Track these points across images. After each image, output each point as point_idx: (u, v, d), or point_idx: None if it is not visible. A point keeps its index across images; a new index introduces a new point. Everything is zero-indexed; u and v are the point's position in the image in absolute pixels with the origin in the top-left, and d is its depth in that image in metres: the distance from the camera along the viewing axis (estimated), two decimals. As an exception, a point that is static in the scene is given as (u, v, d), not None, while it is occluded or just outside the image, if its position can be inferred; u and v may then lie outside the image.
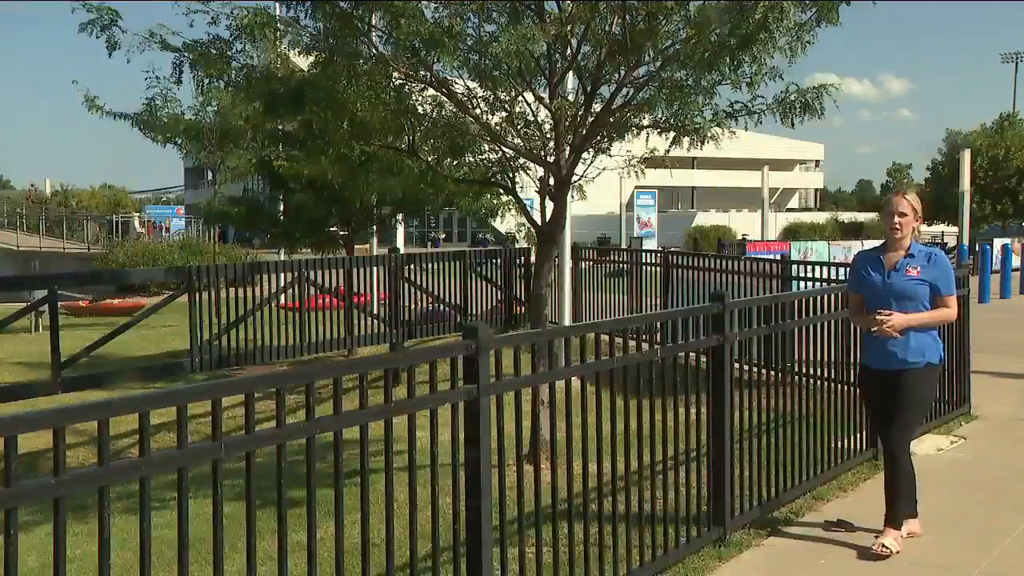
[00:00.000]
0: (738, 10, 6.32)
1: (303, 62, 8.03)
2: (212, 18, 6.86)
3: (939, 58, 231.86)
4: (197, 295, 10.08)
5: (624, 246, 29.71)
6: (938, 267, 5.29)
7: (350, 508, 3.63)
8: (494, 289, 13.83)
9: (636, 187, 37.99)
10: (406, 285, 12.57)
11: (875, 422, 5.70)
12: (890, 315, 5.20)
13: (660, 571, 5.03)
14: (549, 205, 7.67)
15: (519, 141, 7.62)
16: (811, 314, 6.57)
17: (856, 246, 30.24)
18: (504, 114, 7.50)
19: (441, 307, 13.26)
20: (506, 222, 15.24)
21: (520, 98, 7.51)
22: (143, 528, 2.88)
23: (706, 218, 57.93)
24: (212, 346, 10.26)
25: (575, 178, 7.67)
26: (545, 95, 7.41)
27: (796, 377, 6.36)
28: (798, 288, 11.10)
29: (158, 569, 3.20)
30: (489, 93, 7.35)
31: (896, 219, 5.30)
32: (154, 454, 2.90)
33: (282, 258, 16.93)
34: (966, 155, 29.72)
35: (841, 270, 11.20)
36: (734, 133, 7.45)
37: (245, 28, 6.64)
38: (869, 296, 5.38)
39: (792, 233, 51.85)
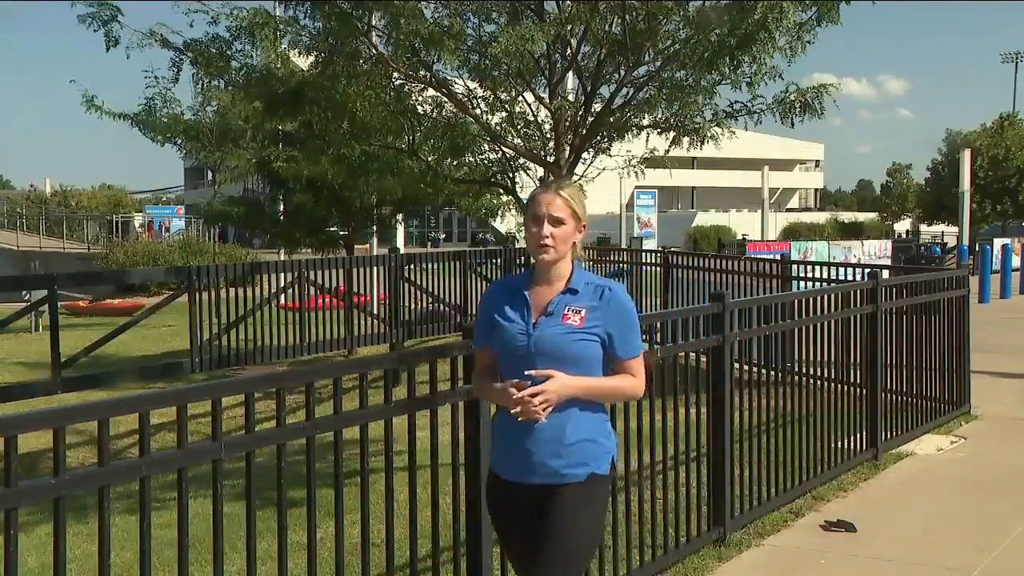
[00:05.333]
0: (738, 10, 6.32)
1: (303, 62, 8.04)
2: (212, 17, 6.87)
3: (939, 58, 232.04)
4: (197, 295, 10.08)
5: (624, 246, 29.71)
6: (616, 311, 3.12)
7: (350, 508, 3.63)
8: (494, 289, 13.80)
9: (636, 187, 37.95)
10: (406, 285, 12.57)
11: (514, 565, 3.34)
12: (542, 383, 3.01)
13: (660, 571, 5.02)
14: (549, 205, 7.66)
15: (519, 141, 7.62)
16: (811, 314, 6.57)
17: (856, 246, 30.30)
18: (504, 114, 7.50)
19: (441, 307, 13.26)
20: (506, 222, 15.25)
21: (520, 98, 7.52)
22: (143, 528, 2.88)
23: (706, 218, 57.92)
24: (212, 346, 10.26)
25: (575, 178, 7.67)
26: (545, 95, 7.41)
27: (796, 377, 6.36)
28: (798, 288, 11.09)
29: (158, 569, 3.21)
30: (489, 93, 7.36)
31: (545, 229, 3.10)
32: (154, 454, 2.90)
33: (282, 258, 16.93)
34: (966, 155, 29.71)
35: (841, 270, 11.22)
36: (734, 133, 7.46)
37: (245, 28, 6.64)
38: (504, 353, 3.14)
39: (792, 233, 51.85)
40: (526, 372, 3.03)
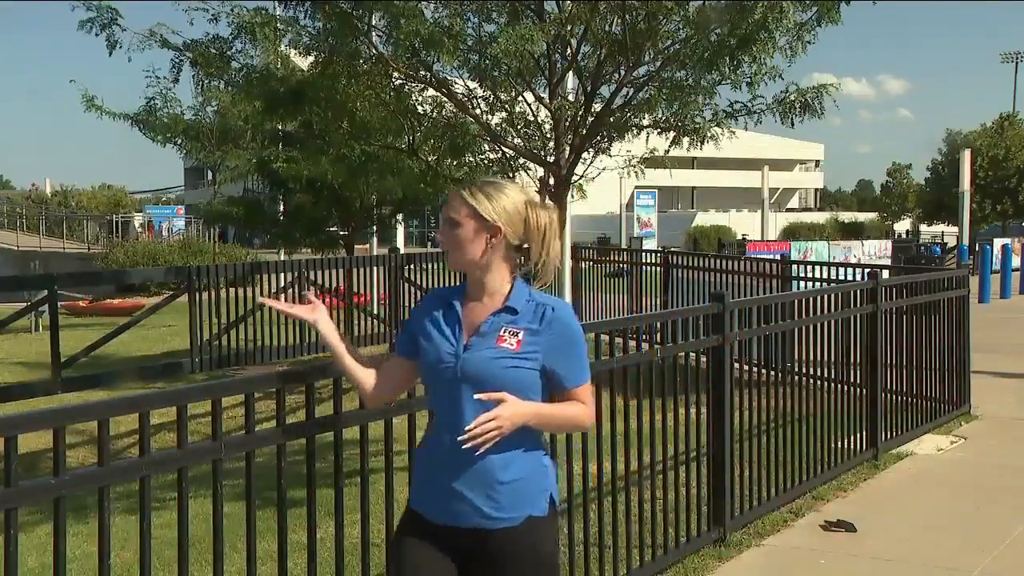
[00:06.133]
0: (738, 10, 6.32)
1: (303, 62, 8.04)
2: (212, 16, 6.88)
3: (939, 58, 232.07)
4: (197, 295, 10.08)
5: (624, 246, 29.71)
6: (560, 335, 2.73)
7: (350, 508, 3.63)
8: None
9: (636, 187, 37.98)
10: (406, 285, 12.57)
11: None
12: (493, 416, 2.61)
13: (660, 571, 5.02)
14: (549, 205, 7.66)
15: (519, 141, 7.62)
16: (811, 314, 6.57)
17: (856, 246, 30.30)
18: (504, 114, 7.50)
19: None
20: (506, 222, 15.22)
21: (520, 98, 7.52)
22: (143, 528, 2.88)
23: (706, 218, 57.91)
24: (212, 346, 10.26)
25: (575, 178, 7.67)
26: (545, 95, 7.41)
27: (796, 377, 6.36)
28: (798, 288, 11.09)
29: (158, 569, 3.21)
30: (489, 93, 7.36)
31: (458, 231, 2.75)
32: (154, 454, 2.90)
33: (282, 258, 16.93)
34: (966, 155, 29.72)
35: (841, 270, 11.22)
36: (734, 133, 7.46)
37: (245, 27, 6.64)
38: (428, 376, 2.81)
39: (792, 233, 51.83)
40: (476, 396, 2.63)
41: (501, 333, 2.71)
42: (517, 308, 2.73)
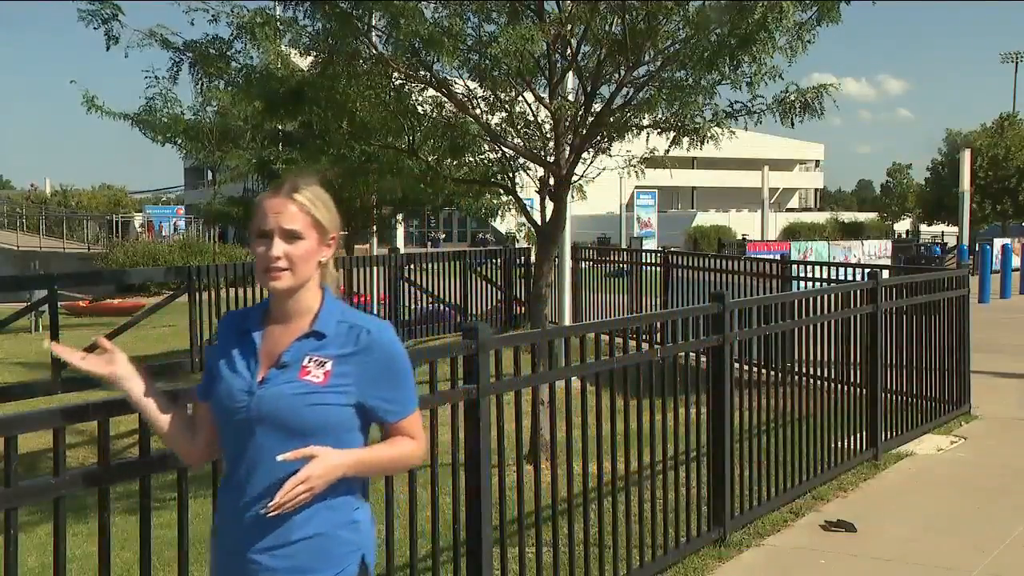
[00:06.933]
0: (738, 10, 6.32)
1: (303, 62, 8.04)
2: (212, 15, 6.87)
3: (939, 58, 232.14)
4: (197, 295, 10.08)
5: (624, 246, 29.72)
6: (378, 361, 2.32)
7: (350, 508, 3.62)
8: (494, 289, 13.83)
9: (636, 187, 37.99)
10: (406, 285, 12.57)
11: None
12: (301, 479, 2.20)
13: (660, 571, 5.03)
14: (549, 205, 7.67)
15: (519, 141, 7.62)
16: (811, 314, 6.57)
17: (856, 246, 30.29)
18: (504, 114, 7.50)
19: (441, 307, 13.26)
20: (506, 222, 15.23)
21: (520, 98, 7.52)
22: (143, 528, 2.88)
23: (706, 218, 57.92)
24: (212, 346, 10.26)
25: (575, 178, 7.67)
26: (545, 95, 7.41)
27: (796, 377, 6.36)
28: (798, 288, 11.10)
29: (158, 569, 3.21)
30: (489, 93, 7.36)
31: (276, 247, 2.29)
32: (154, 454, 2.90)
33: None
34: (966, 155, 29.73)
35: (841, 270, 11.22)
36: (734, 133, 7.45)
37: (245, 27, 6.64)
38: (220, 417, 2.36)
39: (792, 233, 51.84)
40: (279, 457, 2.19)
41: (305, 363, 2.27)
42: (325, 332, 2.30)
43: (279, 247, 2.26)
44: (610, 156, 7.73)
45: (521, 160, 7.93)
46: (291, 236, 2.27)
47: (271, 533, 2.25)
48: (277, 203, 2.29)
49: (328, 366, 2.27)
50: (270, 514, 2.19)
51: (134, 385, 2.45)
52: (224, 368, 2.33)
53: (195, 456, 2.51)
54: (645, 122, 7.26)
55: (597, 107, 7.34)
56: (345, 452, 2.26)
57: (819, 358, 6.66)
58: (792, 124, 6.98)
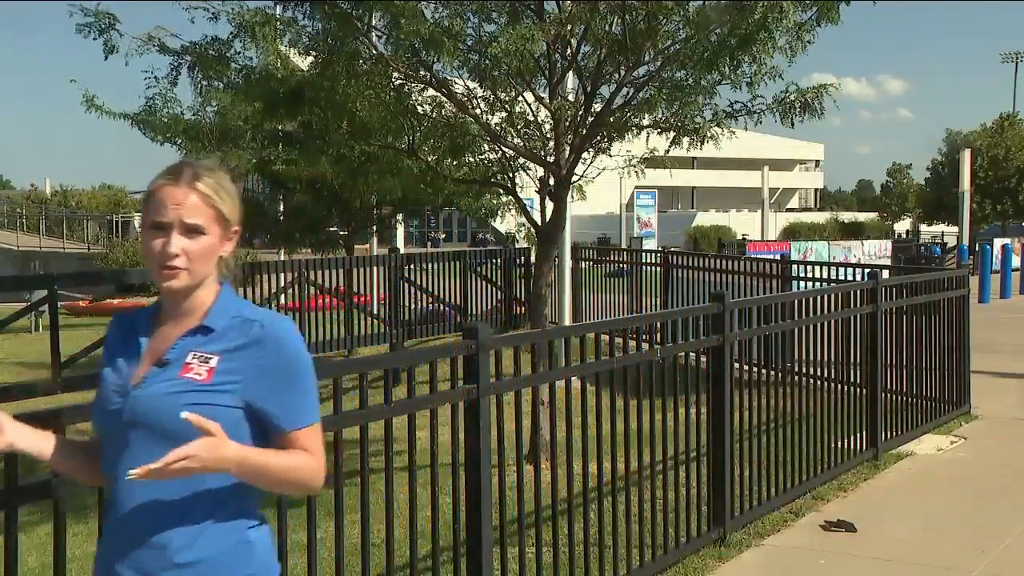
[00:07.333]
0: (738, 10, 6.32)
1: (303, 62, 8.04)
2: (212, 14, 6.88)
3: (939, 58, 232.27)
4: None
5: (624, 246, 29.72)
6: (272, 356, 2.05)
7: (350, 508, 3.63)
8: (494, 289, 13.84)
9: (636, 187, 37.98)
10: (406, 285, 12.57)
11: None
12: (184, 453, 1.90)
13: (660, 571, 5.03)
14: (549, 205, 7.67)
15: (519, 141, 7.62)
16: (811, 314, 6.57)
17: (856, 246, 30.29)
18: (504, 114, 7.50)
19: (441, 307, 13.27)
20: (506, 222, 15.24)
21: (520, 98, 7.52)
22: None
23: (706, 218, 57.91)
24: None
25: (575, 178, 7.67)
26: (545, 95, 7.41)
27: (796, 377, 6.36)
28: (798, 288, 11.10)
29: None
30: (489, 93, 7.36)
31: (174, 243, 2.04)
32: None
33: (282, 258, 16.94)
34: (966, 155, 29.72)
35: (841, 270, 11.22)
36: (734, 133, 7.45)
37: (245, 26, 6.63)
38: (98, 423, 2.12)
39: (792, 233, 51.82)
40: (129, 474, 1.89)
41: (188, 360, 2.02)
42: (214, 326, 2.05)
43: (178, 243, 2.02)
44: (610, 156, 7.73)
45: (521, 160, 7.93)
46: (192, 231, 2.03)
47: (152, 558, 1.98)
48: (178, 193, 2.04)
49: (213, 362, 2.01)
50: (131, 476, 1.88)
51: (32, 442, 2.13)
52: (107, 374, 2.09)
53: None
54: (645, 122, 7.26)
55: (597, 107, 7.34)
56: (238, 445, 1.97)
57: (819, 358, 6.67)
58: (792, 124, 6.98)
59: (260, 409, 2.03)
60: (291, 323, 2.11)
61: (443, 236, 64.76)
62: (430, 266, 13.66)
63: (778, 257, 16.43)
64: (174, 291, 2.06)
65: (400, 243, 16.89)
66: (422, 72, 7.18)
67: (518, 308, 13.76)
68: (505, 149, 7.82)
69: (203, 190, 2.07)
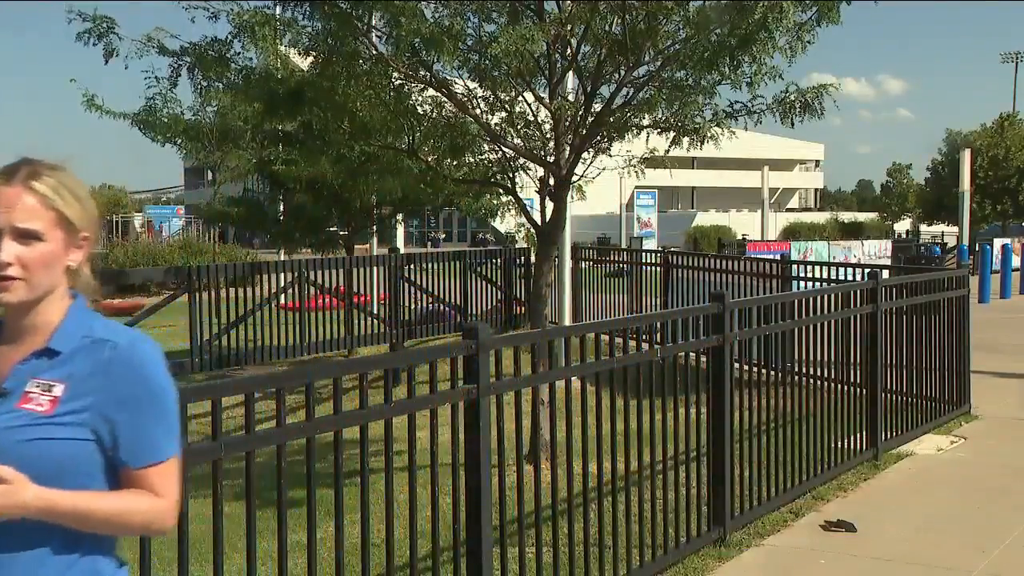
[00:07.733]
0: (738, 10, 6.32)
1: (303, 62, 8.04)
2: (212, 14, 6.88)
3: (939, 58, 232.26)
4: (197, 295, 10.08)
5: (624, 246, 29.72)
6: (122, 383, 1.81)
7: (350, 508, 3.63)
8: (494, 289, 13.84)
9: (636, 187, 37.98)
10: (406, 285, 12.57)
11: None
12: None
13: (660, 571, 5.03)
14: (549, 205, 7.67)
15: (519, 141, 7.62)
16: (811, 314, 6.57)
17: (856, 246, 30.29)
18: (504, 114, 7.50)
19: (441, 307, 13.27)
20: (506, 222, 15.24)
21: (520, 98, 7.51)
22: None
23: (706, 218, 57.93)
24: (212, 346, 10.27)
25: (575, 178, 7.67)
26: (545, 95, 7.41)
27: (796, 377, 6.36)
28: (798, 288, 11.10)
29: (158, 569, 3.20)
30: (489, 93, 7.36)
31: (5, 251, 1.78)
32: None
33: (282, 258, 16.94)
34: (966, 155, 29.72)
35: (841, 270, 11.22)
36: (734, 133, 7.45)
37: (244, 26, 6.63)
38: None
39: (792, 233, 51.84)
40: None
41: (29, 389, 1.79)
42: (60, 349, 1.82)
43: (9, 250, 1.77)
44: (610, 156, 7.73)
45: (521, 160, 7.93)
46: (26, 236, 1.78)
47: None
48: (9, 193, 1.79)
49: (56, 391, 1.78)
50: None
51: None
52: None
53: None
54: (645, 122, 7.26)
55: (597, 107, 7.34)
56: (41, 489, 1.71)
57: (819, 358, 6.67)
58: (792, 124, 6.99)
59: (110, 439, 1.80)
60: (149, 343, 1.86)
61: (443, 236, 64.80)
62: (430, 266, 13.66)
63: (778, 257, 16.43)
64: (12, 306, 1.81)
65: (400, 243, 16.88)
66: (422, 72, 7.18)
67: (518, 308, 13.75)
68: (505, 149, 7.81)
69: (40, 190, 1.81)
